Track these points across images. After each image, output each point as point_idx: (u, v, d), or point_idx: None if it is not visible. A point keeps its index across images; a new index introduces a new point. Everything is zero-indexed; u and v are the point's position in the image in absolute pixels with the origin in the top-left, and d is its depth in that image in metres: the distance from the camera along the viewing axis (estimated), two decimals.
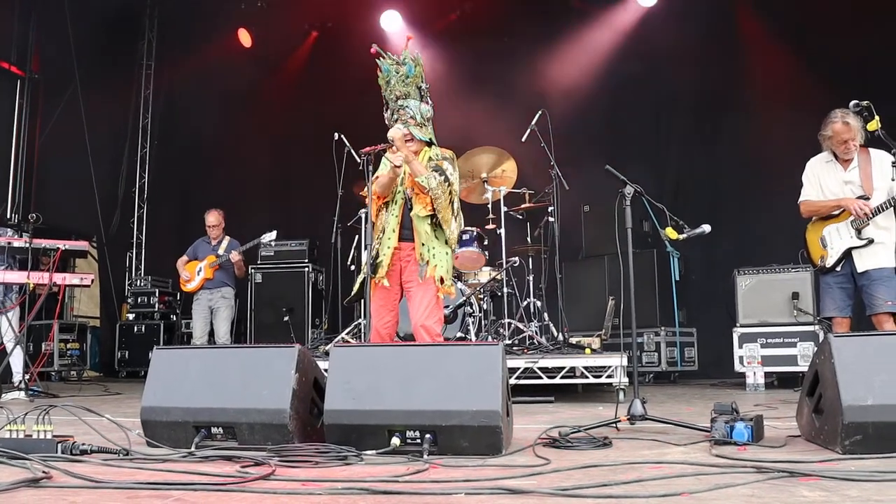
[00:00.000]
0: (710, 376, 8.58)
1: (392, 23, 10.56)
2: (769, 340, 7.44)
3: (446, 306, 6.91)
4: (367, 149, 4.67)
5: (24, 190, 10.06)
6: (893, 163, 4.70)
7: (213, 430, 3.31)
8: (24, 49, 10.15)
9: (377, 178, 4.78)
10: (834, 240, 5.10)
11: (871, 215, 4.93)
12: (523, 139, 7.33)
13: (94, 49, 10.37)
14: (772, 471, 2.61)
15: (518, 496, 2.33)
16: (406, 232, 4.84)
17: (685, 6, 9.44)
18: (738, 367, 7.53)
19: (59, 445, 3.01)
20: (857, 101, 4.79)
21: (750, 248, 8.58)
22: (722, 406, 3.52)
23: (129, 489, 2.44)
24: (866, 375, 3.00)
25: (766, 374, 7.39)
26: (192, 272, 8.17)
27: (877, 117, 4.73)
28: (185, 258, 8.27)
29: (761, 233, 8.65)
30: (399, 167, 4.73)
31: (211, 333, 8.16)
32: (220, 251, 8.14)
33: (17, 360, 7.05)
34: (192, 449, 3.18)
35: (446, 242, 4.89)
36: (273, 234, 8.27)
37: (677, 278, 8.72)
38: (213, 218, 8.27)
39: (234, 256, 7.99)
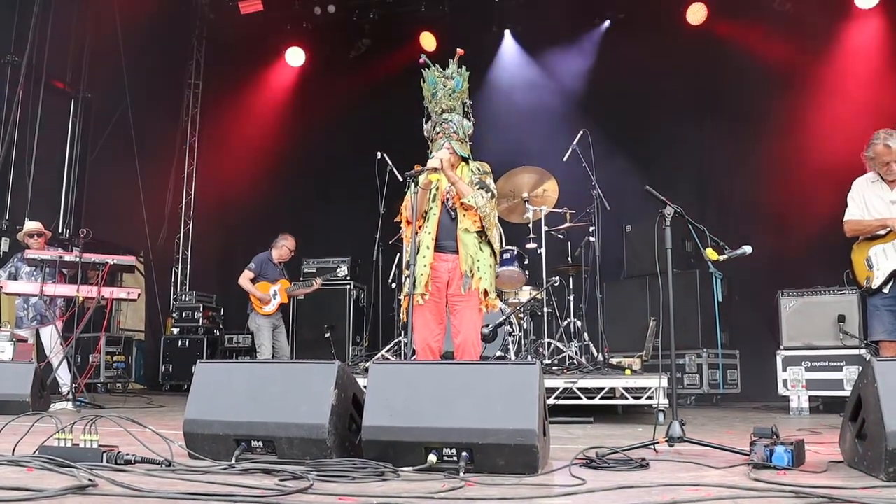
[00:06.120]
0: (752, 399, 8.43)
1: (431, 43, 10.66)
2: (814, 364, 7.25)
3: (486, 325, 6.93)
4: (413, 171, 4.72)
5: (76, 206, 10.32)
6: None
7: (253, 443, 3.35)
8: (77, 69, 10.44)
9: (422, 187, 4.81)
10: (881, 261, 5.02)
11: None
12: (564, 159, 7.34)
13: (144, 69, 10.63)
14: (811, 496, 2.57)
15: None
16: (449, 243, 4.90)
17: (732, 28, 9.39)
18: (781, 391, 7.36)
19: (105, 455, 3.09)
20: None
21: (793, 269, 8.44)
22: (762, 430, 3.46)
23: (170, 499, 2.49)
24: None
25: (811, 399, 7.24)
26: (267, 294, 8.19)
27: None
28: (250, 273, 8.18)
29: (805, 254, 8.51)
30: (426, 189, 4.80)
31: None
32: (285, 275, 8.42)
33: (63, 372, 7.23)
34: (232, 461, 3.23)
35: (491, 254, 4.94)
36: (345, 270, 8.82)
37: (720, 300, 8.58)
38: (293, 243, 8.50)
39: (318, 282, 8.56)
